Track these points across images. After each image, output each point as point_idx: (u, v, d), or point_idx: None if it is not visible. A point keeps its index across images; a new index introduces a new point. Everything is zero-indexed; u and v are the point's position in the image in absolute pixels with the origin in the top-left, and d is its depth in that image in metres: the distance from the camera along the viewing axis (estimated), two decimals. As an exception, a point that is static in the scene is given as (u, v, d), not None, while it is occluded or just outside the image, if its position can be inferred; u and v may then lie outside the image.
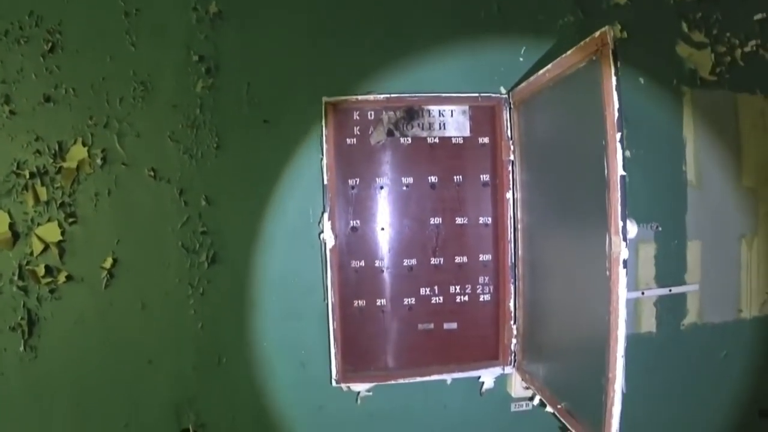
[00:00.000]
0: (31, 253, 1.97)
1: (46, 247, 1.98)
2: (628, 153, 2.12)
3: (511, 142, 2.05)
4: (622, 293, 1.42)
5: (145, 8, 2.03)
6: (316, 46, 2.06)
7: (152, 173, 2.00)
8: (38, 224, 1.98)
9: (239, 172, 2.03)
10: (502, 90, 2.09)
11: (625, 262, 1.40)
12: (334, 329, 1.99)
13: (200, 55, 2.02)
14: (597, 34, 1.45)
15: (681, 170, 2.24)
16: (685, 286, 2.25)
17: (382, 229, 2.06)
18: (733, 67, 2.32)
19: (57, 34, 1.99)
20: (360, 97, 2.02)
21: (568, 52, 1.61)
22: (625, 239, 1.40)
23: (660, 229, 2.20)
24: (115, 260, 2.00)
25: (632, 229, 1.51)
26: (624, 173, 1.39)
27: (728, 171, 2.30)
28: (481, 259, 2.10)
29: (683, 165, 2.24)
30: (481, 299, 2.11)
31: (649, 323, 2.24)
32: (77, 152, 2.00)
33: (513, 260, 2.06)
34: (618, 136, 1.39)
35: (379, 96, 2.02)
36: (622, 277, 1.41)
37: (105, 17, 2.02)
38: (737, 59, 2.33)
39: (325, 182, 1.99)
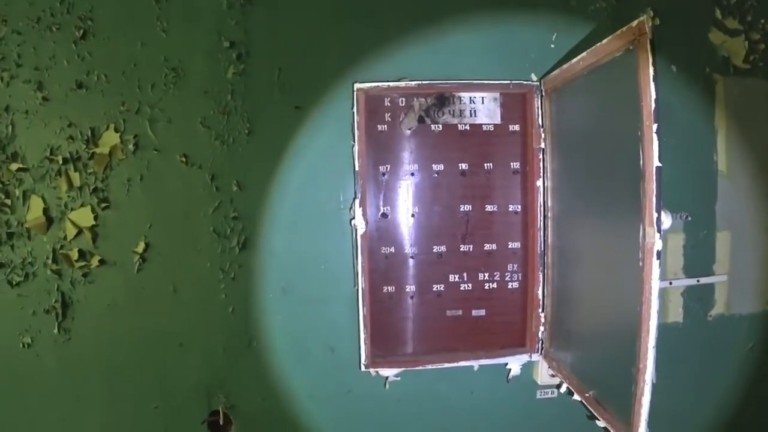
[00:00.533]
0: (65, 238, 2.01)
1: (80, 231, 2.02)
2: (659, 141, 2.12)
3: (542, 129, 2.05)
4: (655, 284, 1.44)
5: (176, -6, 2.06)
6: (346, 31, 2.08)
7: (184, 159, 2.03)
8: (72, 209, 2.02)
9: (270, 158, 2.06)
10: (534, 77, 2.10)
11: (658, 253, 1.42)
12: (363, 315, 2.03)
13: (231, 41, 2.04)
14: (635, 23, 1.45)
15: (712, 159, 2.24)
16: (713, 277, 2.26)
17: (413, 215, 2.09)
18: (767, 54, 2.30)
19: (88, 21, 2.02)
20: (391, 84, 2.03)
21: (604, 41, 1.61)
22: (659, 230, 1.42)
23: (689, 218, 2.21)
24: (147, 245, 2.05)
25: (666, 220, 1.52)
26: (660, 164, 1.40)
27: (760, 161, 2.29)
28: (510, 246, 2.12)
29: (714, 154, 2.24)
30: (509, 286, 2.13)
31: (676, 313, 2.26)
32: (110, 138, 2.03)
33: (542, 248, 2.08)
34: (655, 127, 1.41)
35: (410, 82, 2.03)
36: (655, 268, 1.43)
37: (136, 3, 2.04)
38: (772, 47, 2.31)
39: (357, 168, 2.01)
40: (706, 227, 2.24)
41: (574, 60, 1.80)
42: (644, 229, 1.46)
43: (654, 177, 1.42)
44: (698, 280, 2.24)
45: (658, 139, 1.41)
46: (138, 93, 2.04)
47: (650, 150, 1.43)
